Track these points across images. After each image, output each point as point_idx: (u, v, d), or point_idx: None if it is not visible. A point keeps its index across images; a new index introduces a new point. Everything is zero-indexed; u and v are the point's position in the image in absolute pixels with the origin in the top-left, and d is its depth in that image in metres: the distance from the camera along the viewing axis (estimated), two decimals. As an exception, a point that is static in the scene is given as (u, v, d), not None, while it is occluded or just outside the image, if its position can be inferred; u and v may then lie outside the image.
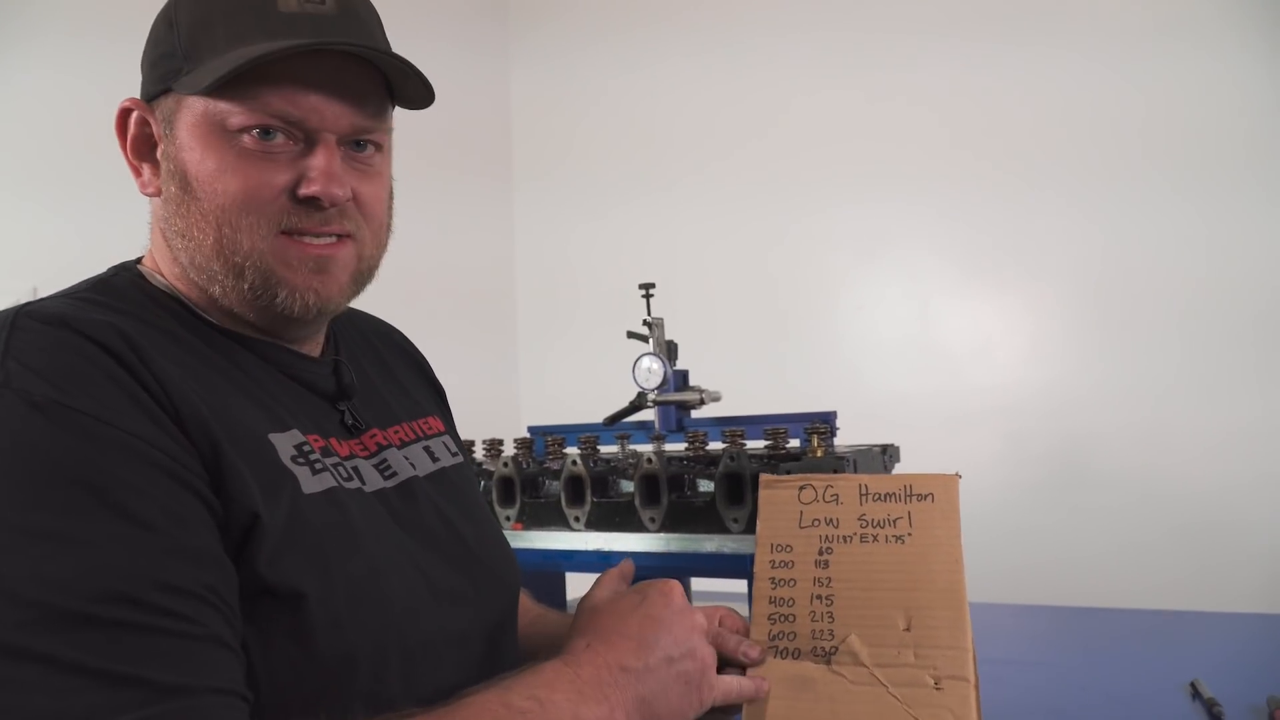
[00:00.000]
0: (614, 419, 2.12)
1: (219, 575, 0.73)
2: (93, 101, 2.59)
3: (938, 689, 0.91)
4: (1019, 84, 3.35)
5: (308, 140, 0.86)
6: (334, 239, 0.88)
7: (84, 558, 0.67)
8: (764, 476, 1.07)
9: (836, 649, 0.96)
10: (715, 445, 1.88)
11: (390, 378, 1.08)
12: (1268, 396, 2.99)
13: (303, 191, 0.85)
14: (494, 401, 4.01)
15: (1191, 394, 3.09)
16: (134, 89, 0.91)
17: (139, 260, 0.94)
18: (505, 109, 4.34)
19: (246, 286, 0.86)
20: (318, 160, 0.86)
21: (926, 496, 1.00)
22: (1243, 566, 2.93)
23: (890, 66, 3.55)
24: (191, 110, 0.84)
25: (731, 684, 0.93)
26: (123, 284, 0.88)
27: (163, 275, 0.90)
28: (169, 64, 0.85)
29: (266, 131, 0.84)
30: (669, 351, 2.11)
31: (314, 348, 0.97)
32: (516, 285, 4.34)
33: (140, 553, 0.69)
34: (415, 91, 0.91)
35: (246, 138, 0.83)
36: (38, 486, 0.68)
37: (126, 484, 0.71)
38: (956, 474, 1.02)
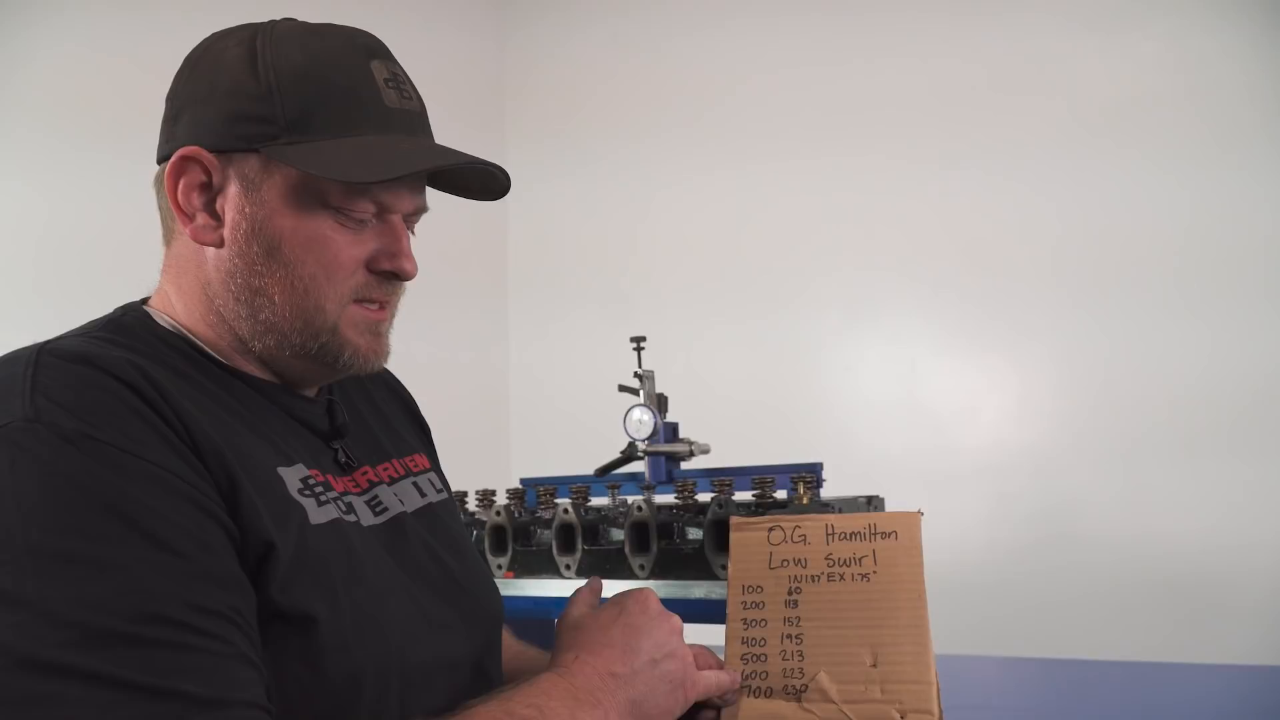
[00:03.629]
0: (605, 470, 2.16)
1: (242, 598, 0.78)
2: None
3: None
4: (1007, 155, 3.44)
5: (379, 214, 0.93)
6: (379, 305, 0.96)
7: (119, 581, 0.71)
8: (734, 519, 1.11)
9: (807, 686, 1.00)
10: (704, 496, 1.92)
11: (379, 415, 1.13)
12: (1244, 463, 3.04)
13: (387, 267, 0.94)
14: (485, 453, 4.05)
15: (1174, 455, 3.13)
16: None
17: (144, 301, 0.98)
18: (500, 102, 4.43)
19: (316, 346, 0.93)
20: (402, 240, 0.95)
21: (890, 534, 1.04)
22: (1223, 623, 2.95)
23: (882, 136, 3.64)
24: (288, 178, 0.89)
25: (711, 679, 1.00)
26: (131, 324, 0.92)
27: (172, 315, 0.94)
28: (260, 127, 0.88)
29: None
30: (659, 404, 2.16)
31: (311, 389, 1.02)
32: (510, 357, 4.39)
33: (171, 576, 0.73)
34: (489, 189, 1.01)
35: (340, 213, 0.90)
36: (73, 514, 0.72)
37: (155, 512, 0.75)
38: (919, 511, 1.05)
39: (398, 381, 1.23)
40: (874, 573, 1.03)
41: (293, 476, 0.89)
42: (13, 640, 0.68)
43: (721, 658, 1.07)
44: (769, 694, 1.01)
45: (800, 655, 1.02)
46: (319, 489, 0.91)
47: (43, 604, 0.69)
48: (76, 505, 0.73)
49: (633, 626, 0.95)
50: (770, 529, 1.09)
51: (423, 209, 0.98)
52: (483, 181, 1.00)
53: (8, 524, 0.72)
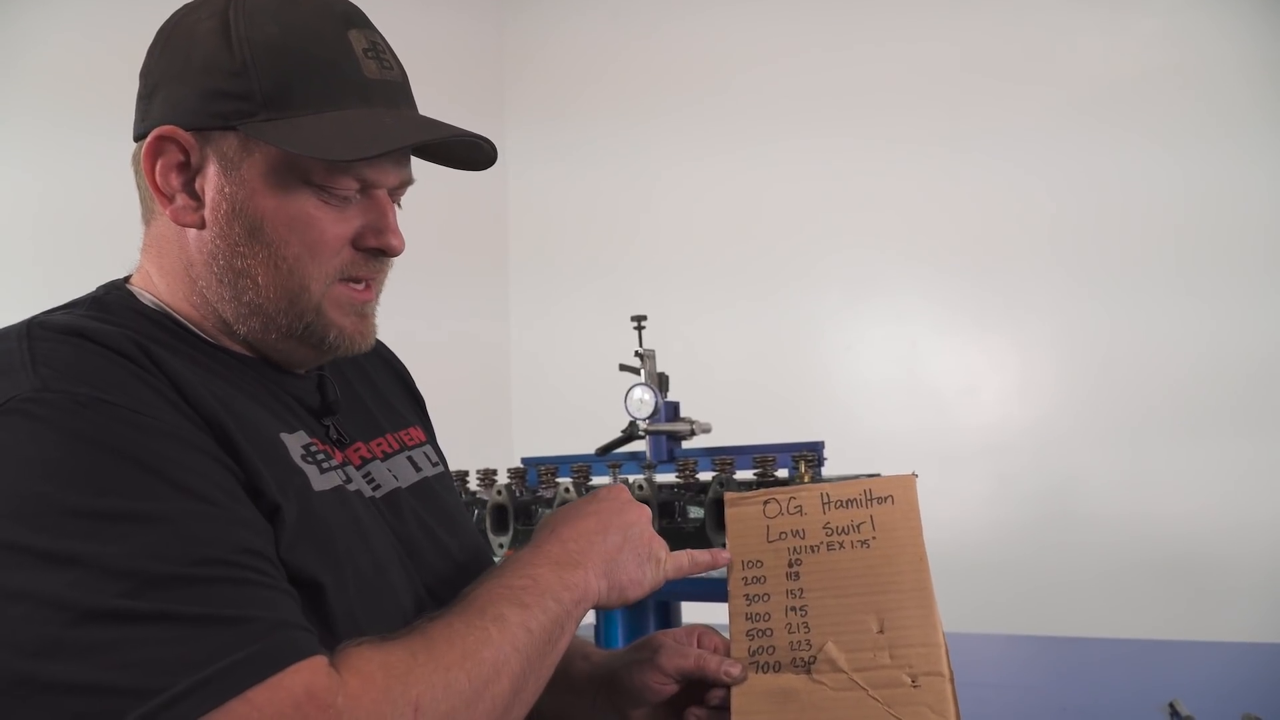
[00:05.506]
0: (606, 449, 2.16)
1: (271, 545, 0.79)
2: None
3: (915, 686, 0.94)
4: (1007, 134, 3.43)
5: (363, 190, 0.91)
6: (365, 285, 0.94)
7: (164, 531, 0.72)
8: (728, 495, 1.09)
9: (815, 658, 0.98)
10: (705, 475, 1.92)
11: (373, 388, 1.11)
12: (1246, 442, 3.04)
13: (374, 244, 0.91)
14: (486, 433, 4.05)
15: (1175, 437, 3.13)
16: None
17: (126, 279, 0.96)
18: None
19: (302, 327, 0.91)
20: (388, 216, 0.92)
21: (886, 499, 1.03)
22: (1225, 601, 2.96)
23: (881, 116, 3.63)
24: (267, 156, 0.86)
25: (683, 557, 1.02)
26: (114, 302, 0.91)
27: (154, 294, 0.93)
28: (237, 104, 0.86)
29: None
30: (660, 383, 2.16)
31: (299, 369, 1.01)
32: (510, 336, 4.38)
33: (212, 523, 0.74)
34: (475, 160, 0.99)
35: (323, 191, 0.88)
36: (105, 474, 0.73)
37: (181, 465, 0.75)
38: (913, 474, 1.04)
39: (391, 353, 1.21)
40: (873, 539, 1.01)
41: (295, 443, 0.88)
42: (72, 596, 0.68)
43: (726, 636, 1.06)
44: (777, 668, 1.00)
45: (806, 627, 1.00)
46: (321, 457, 0.90)
47: (95, 559, 0.69)
48: (106, 465, 0.73)
49: (605, 509, 0.99)
50: (765, 502, 1.07)
51: (408, 181, 0.95)
52: (469, 152, 0.97)
53: (39, 491, 0.72)
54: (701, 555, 1.04)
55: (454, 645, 0.80)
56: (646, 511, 1.01)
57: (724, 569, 1.07)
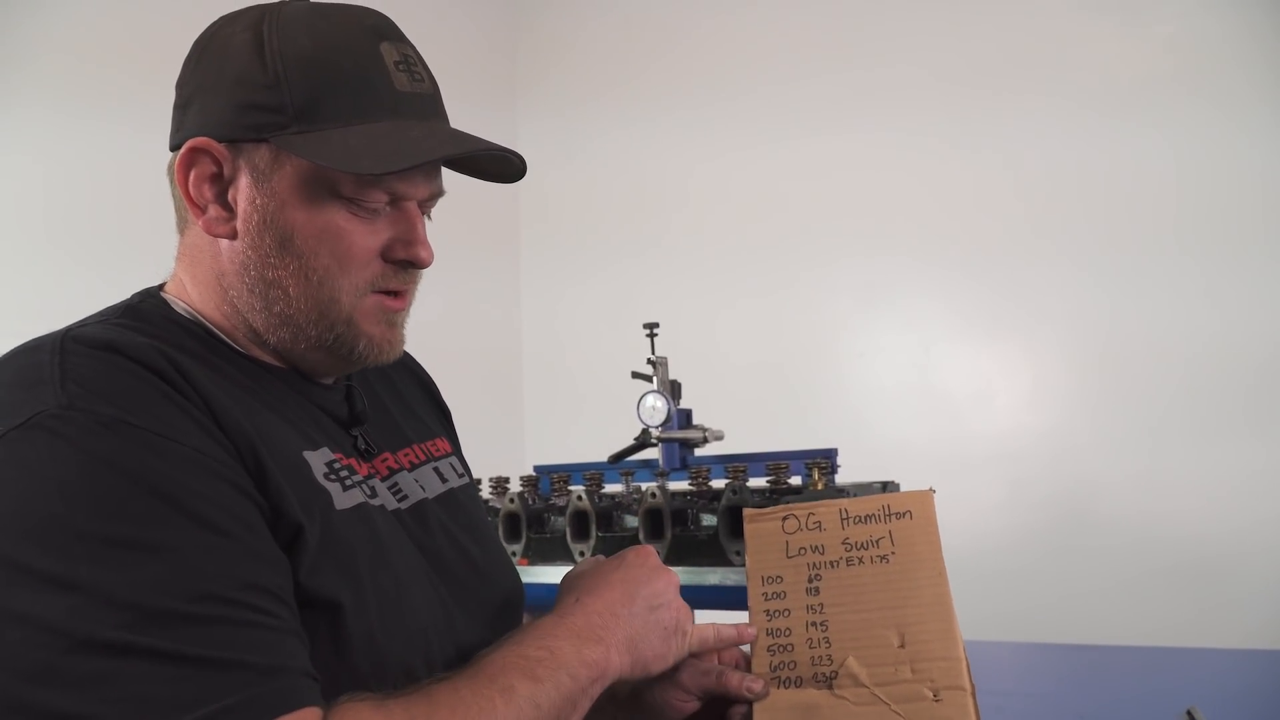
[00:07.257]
0: (619, 456, 2.16)
1: (285, 576, 0.79)
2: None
3: (937, 700, 0.95)
4: (1020, 137, 3.41)
5: (392, 202, 0.91)
6: (396, 295, 0.95)
7: (170, 562, 0.72)
8: (748, 511, 1.10)
9: (836, 673, 0.99)
10: (718, 482, 1.92)
11: (399, 399, 1.12)
12: (1261, 444, 3.02)
13: (402, 256, 0.92)
14: (499, 441, 4.04)
15: (1189, 440, 3.11)
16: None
17: (161, 287, 0.97)
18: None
19: (332, 337, 0.92)
20: (417, 228, 0.93)
21: (905, 514, 1.04)
22: (1238, 606, 2.94)
23: (892, 118, 3.62)
24: (298, 168, 0.87)
25: (708, 631, 1.01)
26: (149, 310, 0.92)
27: (188, 303, 0.94)
28: (269, 116, 0.87)
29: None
30: (673, 390, 2.16)
31: (328, 379, 1.01)
32: (523, 343, 4.38)
33: (220, 556, 0.74)
34: (505, 174, 0.99)
35: (352, 204, 0.89)
36: (119, 499, 0.73)
37: (198, 494, 0.75)
38: (930, 489, 1.05)
39: (417, 364, 1.22)
40: (892, 554, 1.03)
41: (318, 461, 0.89)
42: (70, 623, 0.68)
43: (747, 650, 1.06)
44: (799, 684, 1.01)
45: (827, 642, 1.01)
46: (344, 473, 0.90)
47: (97, 587, 0.69)
48: (121, 490, 0.73)
49: (631, 577, 0.98)
50: (784, 518, 1.08)
51: (438, 193, 0.96)
52: (498, 166, 0.98)
53: (51, 511, 0.72)
54: (727, 630, 1.03)
55: (455, 713, 0.78)
56: (674, 579, 1.01)
57: (745, 583, 1.08)
